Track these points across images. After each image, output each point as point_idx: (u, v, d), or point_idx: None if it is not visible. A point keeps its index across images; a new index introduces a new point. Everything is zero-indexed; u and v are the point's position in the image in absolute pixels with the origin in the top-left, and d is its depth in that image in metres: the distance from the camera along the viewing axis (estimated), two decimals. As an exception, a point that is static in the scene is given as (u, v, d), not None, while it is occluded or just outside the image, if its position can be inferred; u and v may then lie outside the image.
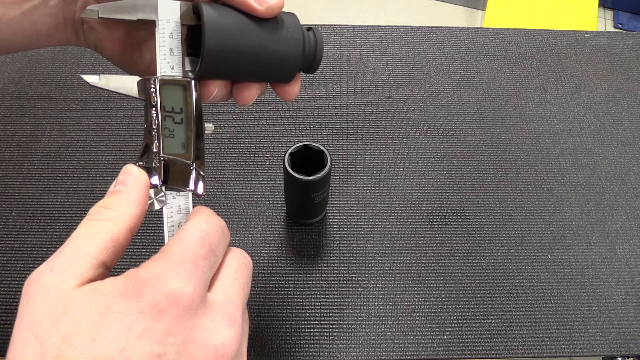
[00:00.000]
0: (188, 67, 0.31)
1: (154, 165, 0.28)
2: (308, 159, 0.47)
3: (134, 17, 0.30)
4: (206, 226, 0.26)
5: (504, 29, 0.74)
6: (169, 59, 0.30)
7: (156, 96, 0.29)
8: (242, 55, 0.31)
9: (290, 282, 0.51)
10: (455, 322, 0.49)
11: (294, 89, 0.35)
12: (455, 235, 0.54)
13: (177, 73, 0.30)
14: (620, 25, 1.88)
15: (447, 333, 0.49)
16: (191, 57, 0.32)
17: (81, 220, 0.54)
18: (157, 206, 0.29)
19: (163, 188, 0.29)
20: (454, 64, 0.69)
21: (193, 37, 0.33)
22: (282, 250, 0.53)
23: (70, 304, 0.22)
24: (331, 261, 0.52)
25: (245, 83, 0.34)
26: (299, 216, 0.54)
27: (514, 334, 0.49)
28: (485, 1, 1.70)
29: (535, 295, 0.51)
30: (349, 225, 0.55)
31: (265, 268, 0.52)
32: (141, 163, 0.29)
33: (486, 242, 0.54)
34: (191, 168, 0.29)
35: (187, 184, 0.29)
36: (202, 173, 0.30)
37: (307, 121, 0.63)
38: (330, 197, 0.56)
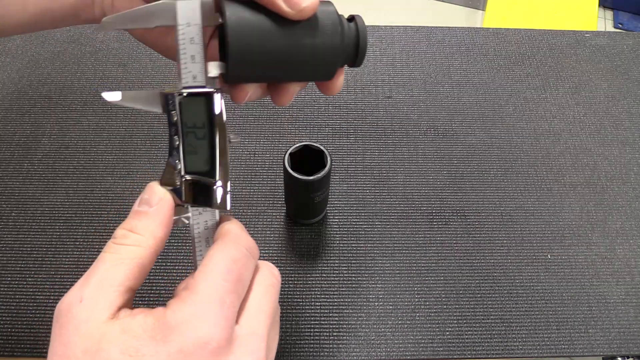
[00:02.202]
0: (215, 73, 0.29)
1: (176, 184, 0.28)
2: (308, 159, 0.47)
3: (152, 25, 0.28)
4: (233, 253, 0.26)
5: (504, 29, 0.74)
6: (190, 67, 0.28)
7: (176, 113, 0.28)
8: (273, 57, 0.29)
9: (290, 282, 0.51)
10: (455, 322, 0.49)
11: (336, 83, 0.33)
12: (455, 235, 0.54)
13: (199, 82, 0.28)
14: (620, 25, 1.88)
15: (447, 333, 0.49)
16: (221, 62, 0.29)
17: (81, 220, 0.54)
18: (182, 224, 0.28)
19: (188, 206, 0.28)
20: (454, 64, 0.69)
21: (222, 39, 0.31)
22: (282, 250, 0.53)
23: (102, 343, 0.22)
24: (331, 261, 0.52)
25: (281, 84, 0.32)
26: (299, 216, 0.54)
27: (514, 334, 0.49)
28: (485, 1, 1.70)
29: (535, 295, 0.51)
30: (349, 225, 0.55)
31: (265, 268, 0.52)
32: (164, 182, 0.28)
33: (486, 242, 0.54)
34: (216, 185, 0.28)
35: (212, 202, 0.28)
36: (227, 189, 0.28)
37: (307, 121, 0.63)
38: (330, 197, 0.56)
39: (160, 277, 0.51)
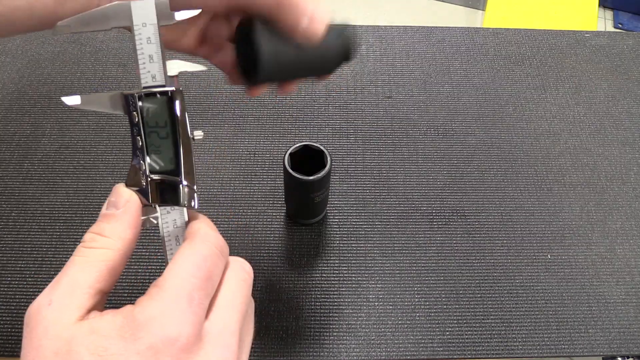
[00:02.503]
0: (175, 72, 0.29)
1: (142, 184, 0.28)
2: (308, 159, 0.47)
3: (107, 27, 0.28)
4: (202, 250, 0.26)
5: (504, 29, 0.74)
6: (149, 67, 0.28)
7: (137, 113, 0.28)
8: (292, 67, 0.34)
9: (290, 282, 0.51)
10: (455, 322, 0.49)
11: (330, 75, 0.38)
12: (455, 235, 0.54)
13: (159, 82, 0.28)
14: (620, 25, 1.88)
15: (447, 333, 0.49)
16: (237, 51, 0.34)
17: (81, 220, 0.54)
18: (151, 224, 0.28)
19: (156, 206, 0.28)
20: (454, 64, 0.69)
21: (241, 40, 0.34)
22: (282, 250, 0.53)
23: (72, 344, 0.22)
24: (331, 261, 0.52)
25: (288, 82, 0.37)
26: (299, 216, 0.54)
27: (514, 334, 0.49)
28: (485, 1, 1.70)
29: (535, 295, 0.51)
30: (349, 225, 0.55)
31: (265, 268, 0.52)
32: (129, 184, 0.28)
33: (486, 242, 0.54)
34: (181, 184, 0.28)
35: (178, 201, 0.28)
36: (193, 187, 0.28)
37: (307, 121, 0.63)
38: (330, 197, 0.56)
39: (133, 277, 0.50)
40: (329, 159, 0.46)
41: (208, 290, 0.25)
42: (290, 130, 0.62)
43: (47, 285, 0.26)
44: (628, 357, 0.64)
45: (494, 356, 0.48)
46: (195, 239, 0.26)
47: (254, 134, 0.61)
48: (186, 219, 0.28)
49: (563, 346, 0.49)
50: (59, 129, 0.61)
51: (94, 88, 0.64)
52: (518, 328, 0.49)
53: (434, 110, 0.64)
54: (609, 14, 1.93)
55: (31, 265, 0.51)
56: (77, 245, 0.56)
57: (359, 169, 0.59)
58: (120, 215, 0.27)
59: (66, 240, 0.53)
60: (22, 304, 0.49)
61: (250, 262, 0.54)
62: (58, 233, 0.53)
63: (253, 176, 0.58)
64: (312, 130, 0.62)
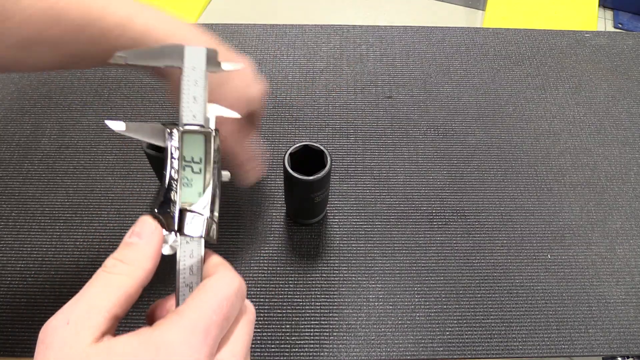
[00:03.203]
0: (213, 115, 0.32)
1: (170, 213, 0.30)
2: (308, 159, 0.47)
3: (161, 64, 0.31)
4: (226, 291, 0.27)
5: (504, 29, 0.74)
6: (191, 107, 0.31)
7: (178, 147, 0.30)
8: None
9: (290, 282, 0.51)
10: (455, 322, 0.49)
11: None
12: (455, 235, 0.54)
13: (199, 121, 0.31)
14: (620, 25, 1.88)
15: (447, 333, 0.49)
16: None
17: (81, 220, 0.54)
18: (170, 251, 0.30)
19: (177, 234, 0.30)
20: (454, 64, 0.69)
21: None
22: (282, 250, 0.53)
23: None
24: (331, 261, 0.52)
25: None
26: (299, 216, 0.54)
27: (514, 334, 0.49)
28: (485, 1, 1.70)
29: (535, 295, 0.51)
30: (349, 225, 0.55)
31: (265, 268, 0.52)
32: (157, 210, 0.30)
33: (486, 242, 0.54)
34: (206, 217, 0.30)
35: (200, 232, 0.30)
36: (215, 221, 0.31)
37: (307, 121, 0.63)
38: (330, 197, 0.56)
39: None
40: (329, 159, 0.46)
41: (224, 328, 0.27)
42: (290, 130, 0.62)
43: (46, 285, 0.27)
44: (628, 357, 0.64)
45: (494, 356, 0.48)
46: (219, 279, 0.28)
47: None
48: (203, 251, 0.30)
49: (563, 346, 0.49)
50: (59, 129, 0.61)
51: (94, 89, 0.64)
52: (518, 328, 0.49)
53: (434, 110, 0.64)
54: (609, 14, 1.93)
55: (31, 265, 0.51)
56: (76, 245, 0.56)
57: (359, 169, 0.59)
58: (143, 246, 0.28)
59: (66, 240, 0.53)
60: (22, 304, 0.49)
61: (250, 262, 0.54)
62: (58, 233, 0.53)
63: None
64: (312, 130, 0.62)
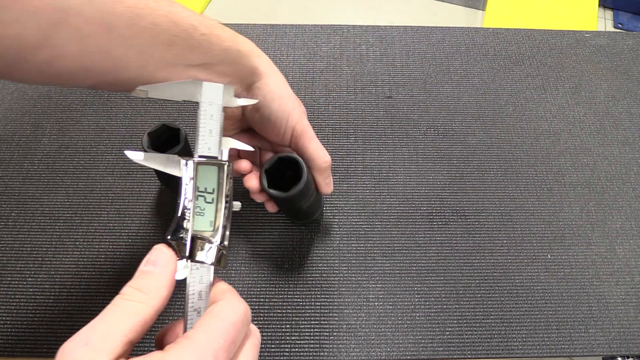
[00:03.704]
0: (227, 148, 0.34)
1: (183, 241, 0.31)
2: (287, 168, 0.44)
3: (180, 99, 0.33)
4: (233, 316, 0.28)
5: (504, 29, 0.74)
6: (207, 140, 0.32)
7: (193, 177, 0.32)
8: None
9: (290, 282, 0.51)
10: (455, 322, 0.49)
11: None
12: (455, 235, 0.54)
13: (213, 153, 0.33)
14: (620, 25, 1.88)
15: (447, 333, 0.49)
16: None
17: (81, 220, 0.54)
18: (181, 276, 0.31)
19: (188, 261, 0.31)
20: (454, 64, 0.69)
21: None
22: (282, 250, 0.53)
23: None
24: (331, 261, 0.52)
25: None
26: (294, 219, 0.53)
27: (514, 334, 0.49)
28: (485, 1, 1.70)
29: (535, 295, 0.51)
30: (349, 225, 0.55)
31: (265, 268, 0.52)
32: (171, 237, 0.31)
33: (486, 242, 0.54)
34: (216, 245, 0.31)
35: (211, 260, 0.31)
36: (225, 249, 0.32)
37: (307, 121, 0.62)
38: (330, 197, 0.56)
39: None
40: (304, 169, 0.43)
41: (230, 352, 0.28)
42: (290, 130, 0.62)
43: (46, 285, 0.27)
44: (628, 357, 0.64)
45: (494, 356, 0.48)
46: (226, 304, 0.29)
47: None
48: (212, 277, 0.31)
49: (563, 346, 0.49)
50: (59, 129, 0.61)
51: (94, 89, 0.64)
52: (518, 328, 0.49)
53: (434, 110, 0.64)
54: (609, 14, 1.93)
55: (31, 265, 0.51)
56: (76, 245, 0.56)
57: (359, 169, 0.59)
58: (158, 274, 0.29)
59: (66, 240, 0.53)
60: (22, 304, 0.49)
61: (250, 262, 0.54)
62: (58, 233, 0.53)
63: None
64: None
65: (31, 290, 0.50)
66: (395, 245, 0.54)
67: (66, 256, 0.52)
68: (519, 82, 0.67)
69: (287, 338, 0.48)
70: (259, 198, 0.45)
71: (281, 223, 0.55)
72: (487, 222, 0.55)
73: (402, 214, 0.56)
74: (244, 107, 0.42)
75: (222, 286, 0.31)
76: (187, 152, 0.51)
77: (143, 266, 0.29)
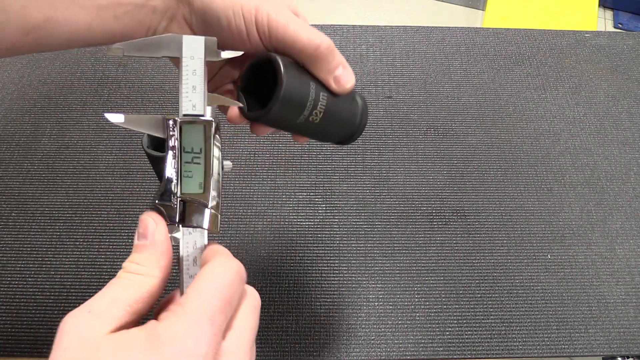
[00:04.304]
0: (212, 104, 0.32)
1: (172, 205, 0.30)
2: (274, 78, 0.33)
3: (159, 55, 0.31)
4: (224, 276, 0.27)
5: (504, 29, 0.74)
6: (191, 97, 0.31)
7: (176, 137, 0.30)
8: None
9: (290, 282, 0.51)
10: (455, 322, 0.49)
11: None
12: (455, 235, 0.54)
13: (198, 111, 0.31)
14: (620, 25, 1.88)
15: (447, 333, 0.49)
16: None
17: (81, 220, 0.54)
18: (173, 242, 0.30)
19: (180, 225, 0.30)
20: (454, 64, 0.69)
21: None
22: (282, 250, 0.53)
23: (99, 353, 0.23)
24: (331, 261, 0.52)
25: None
26: (323, 140, 0.40)
27: (514, 334, 0.49)
28: (485, 1, 1.70)
29: (535, 295, 0.51)
30: (349, 225, 0.55)
31: (265, 268, 0.52)
32: (159, 202, 0.30)
33: (486, 242, 0.54)
34: (207, 208, 0.30)
35: (202, 223, 0.30)
36: (218, 212, 0.31)
37: (307, 121, 0.62)
38: (330, 197, 0.56)
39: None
40: (281, 67, 0.32)
41: (227, 314, 0.27)
42: (290, 130, 0.62)
43: (46, 285, 0.27)
44: (628, 357, 0.64)
45: (494, 356, 0.48)
46: (219, 262, 0.28)
47: (254, 134, 0.61)
48: (206, 242, 0.30)
49: (563, 346, 0.49)
50: (59, 129, 0.61)
51: (94, 89, 0.64)
52: (518, 328, 0.49)
53: (434, 110, 0.64)
54: (609, 14, 1.93)
55: (31, 265, 0.51)
56: (76, 245, 0.56)
57: (359, 169, 0.59)
58: (151, 245, 0.28)
59: (66, 240, 0.53)
60: (22, 304, 0.49)
61: (250, 262, 0.54)
62: (58, 233, 0.53)
63: (253, 176, 0.58)
64: (312, 130, 0.62)
65: (31, 290, 0.50)
66: (395, 245, 0.54)
67: (66, 256, 0.52)
68: (519, 82, 0.67)
69: (287, 338, 0.48)
70: (243, 123, 0.36)
71: (281, 223, 0.55)
72: (487, 222, 0.55)
73: (402, 214, 0.56)
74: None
75: (212, 247, 0.30)
76: None
77: (136, 240, 0.29)
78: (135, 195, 0.56)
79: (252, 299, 0.29)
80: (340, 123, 0.37)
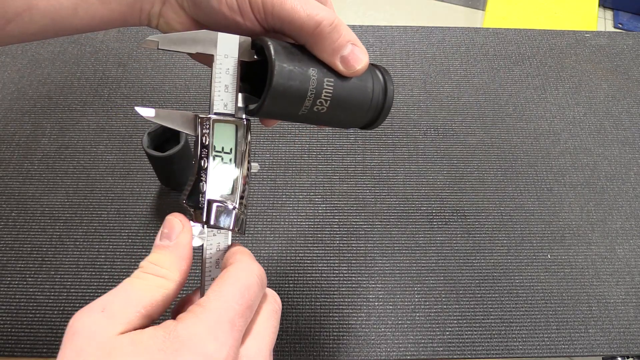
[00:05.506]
0: (240, 104, 0.30)
1: (200, 205, 0.29)
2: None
3: (193, 51, 0.30)
4: (247, 279, 0.26)
5: (504, 29, 0.74)
6: (223, 96, 0.30)
7: (209, 137, 0.30)
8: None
9: (290, 282, 0.51)
10: (455, 322, 0.49)
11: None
12: (455, 235, 0.54)
13: (229, 110, 0.30)
14: (620, 25, 1.88)
15: (447, 333, 0.49)
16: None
17: (81, 220, 0.54)
18: (197, 243, 0.29)
19: (205, 227, 0.29)
20: (454, 64, 0.69)
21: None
22: (282, 250, 0.53)
23: (113, 353, 0.23)
24: (331, 261, 0.52)
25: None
26: (344, 127, 0.37)
27: (514, 334, 0.49)
28: (485, 1, 1.70)
29: (535, 295, 0.51)
30: (349, 225, 0.55)
31: (265, 268, 0.52)
32: (185, 200, 0.29)
33: (486, 242, 0.54)
34: (234, 209, 0.29)
35: (229, 225, 0.29)
36: (244, 214, 0.30)
37: (307, 121, 0.62)
38: (330, 197, 0.56)
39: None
40: (271, 52, 0.30)
41: (247, 317, 0.26)
42: (291, 130, 0.62)
43: (46, 285, 0.26)
44: (628, 357, 0.64)
45: (494, 356, 0.48)
46: (241, 266, 0.27)
47: (254, 135, 0.61)
48: (229, 242, 0.29)
49: (563, 346, 0.49)
50: (59, 129, 0.61)
51: (94, 88, 0.64)
52: (518, 328, 0.49)
53: (434, 110, 0.64)
54: (609, 14, 1.93)
55: (31, 265, 0.51)
56: (76, 245, 0.56)
57: (359, 169, 0.59)
58: (174, 248, 0.27)
59: (66, 240, 0.53)
60: (22, 304, 0.49)
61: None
62: (58, 233, 0.53)
63: (253, 176, 0.58)
64: (312, 130, 0.62)
65: (31, 290, 0.50)
66: (395, 245, 0.54)
67: (66, 256, 0.52)
68: (519, 82, 0.67)
69: (287, 338, 0.48)
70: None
71: (281, 223, 0.55)
72: (487, 222, 0.55)
73: (402, 214, 0.56)
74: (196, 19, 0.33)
75: (235, 248, 0.29)
76: (187, 151, 0.51)
77: (158, 240, 0.28)
78: (135, 195, 0.56)
79: (272, 304, 0.28)
80: (356, 109, 0.33)
